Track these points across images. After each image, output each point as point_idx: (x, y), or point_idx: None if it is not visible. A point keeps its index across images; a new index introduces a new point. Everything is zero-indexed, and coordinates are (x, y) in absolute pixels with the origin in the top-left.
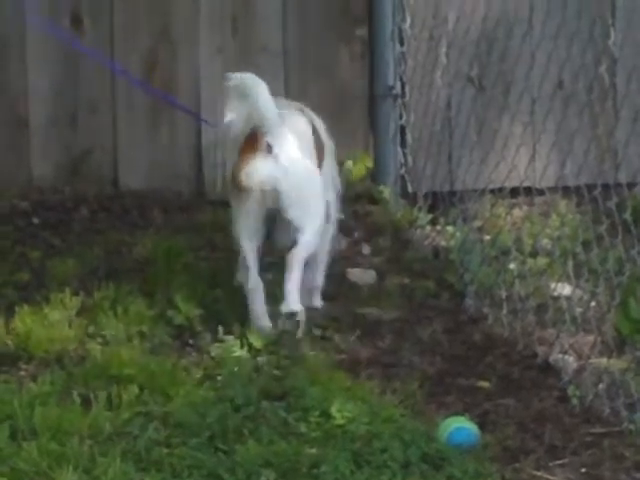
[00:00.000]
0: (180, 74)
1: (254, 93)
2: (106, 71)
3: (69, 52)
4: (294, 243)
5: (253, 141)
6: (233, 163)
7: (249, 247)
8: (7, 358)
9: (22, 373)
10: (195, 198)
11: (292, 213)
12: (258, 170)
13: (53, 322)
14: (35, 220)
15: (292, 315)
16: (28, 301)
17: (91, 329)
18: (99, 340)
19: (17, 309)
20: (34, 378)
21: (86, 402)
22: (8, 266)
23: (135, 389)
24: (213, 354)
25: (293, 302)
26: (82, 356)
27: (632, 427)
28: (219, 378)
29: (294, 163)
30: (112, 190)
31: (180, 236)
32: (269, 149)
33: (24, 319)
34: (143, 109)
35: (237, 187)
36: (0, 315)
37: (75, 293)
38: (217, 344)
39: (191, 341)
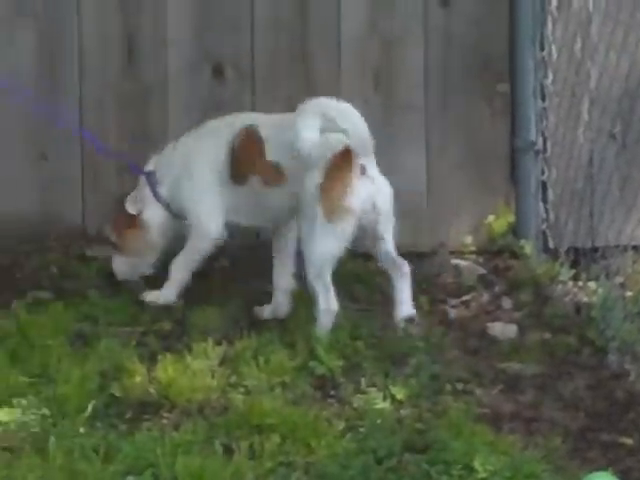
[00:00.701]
0: None
1: (353, 117)
2: None
3: (210, 100)
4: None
5: (341, 164)
6: (320, 188)
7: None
8: (150, 406)
9: (164, 422)
10: None
11: (382, 227)
12: (361, 192)
13: (195, 371)
14: (222, 263)
15: (411, 320)
16: (170, 350)
17: (233, 379)
18: (241, 390)
19: (159, 358)
20: (176, 427)
21: (228, 451)
22: (150, 315)
23: (277, 439)
24: (355, 405)
25: (410, 308)
26: (224, 406)
27: None
28: (361, 430)
29: (382, 181)
30: (253, 240)
31: None
32: (363, 170)
33: (166, 368)
34: None
35: (336, 211)
36: (143, 363)
37: (217, 343)
38: (359, 395)
39: (333, 392)
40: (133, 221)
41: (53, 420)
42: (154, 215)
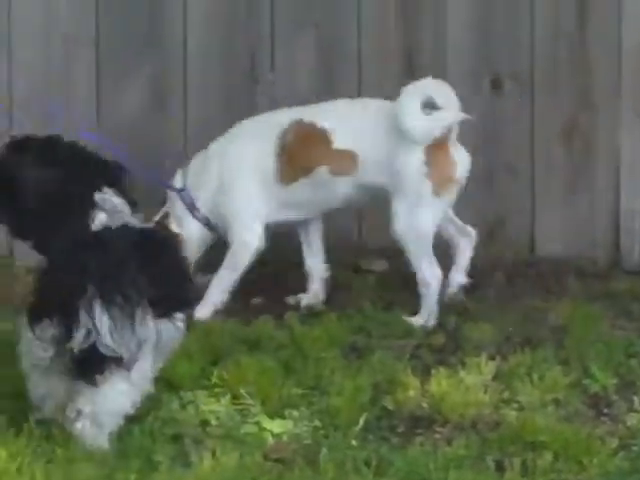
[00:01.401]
0: (600, 140)
1: (448, 92)
2: (525, 133)
3: (488, 114)
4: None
5: (442, 140)
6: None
7: None
8: (423, 420)
9: (437, 436)
10: (611, 266)
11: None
12: (465, 164)
13: (469, 386)
14: None
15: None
16: (444, 364)
17: (506, 394)
18: (514, 406)
19: (433, 372)
20: (449, 441)
21: (500, 468)
22: (424, 329)
23: (549, 456)
24: (628, 424)
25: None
26: (497, 421)
27: None
28: (634, 448)
29: (464, 151)
30: (528, 255)
31: (596, 304)
32: (455, 143)
33: (440, 382)
34: (561, 173)
35: (445, 184)
36: (416, 377)
37: (491, 358)
38: (632, 414)
39: (606, 410)
40: None
41: (325, 432)
42: (192, 232)
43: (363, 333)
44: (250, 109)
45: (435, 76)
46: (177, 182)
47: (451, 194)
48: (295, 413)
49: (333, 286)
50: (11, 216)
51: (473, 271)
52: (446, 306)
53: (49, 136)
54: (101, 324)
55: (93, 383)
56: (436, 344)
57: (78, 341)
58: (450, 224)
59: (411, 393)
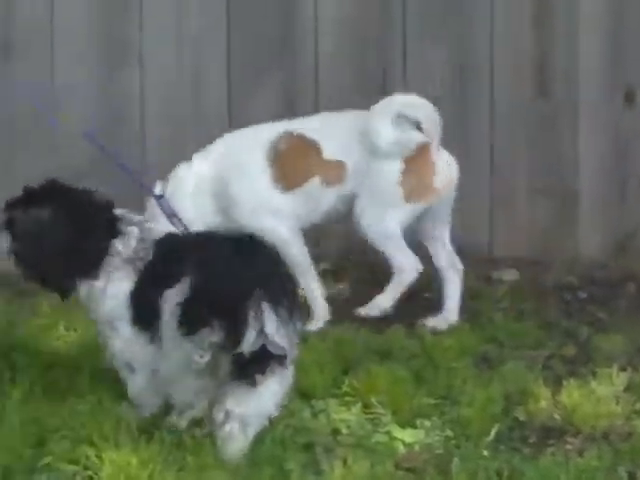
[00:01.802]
0: None
1: (423, 105)
2: None
3: (620, 126)
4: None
5: (422, 150)
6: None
7: None
8: (554, 431)
9: (569, 447)
10: None
11: (449, 209)
12: (448, 171)
13: (600, 397)
14: (581, 294)
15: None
16: (575, 375)
17: (638, 406)
18: None
19: (564, 383)
20: (580, 452)
21: (633, 478)
22: (556, 339)
23: None
24: None
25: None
26: (629, 432)
27: None
28: None
29: (451, 159)
30: None
31: None
32: (437, 149)
33: (571, 393)
34: None
35: (428, 192)
36: (547, 387)
37: (622, 369)
38: None
39: None
40: None
41: (456, 442)
42: None
43: (494, 343)
44: None
45: (567, 88)
46: (156, 191)
47: (426, 201)
48: (426, 423)
49: (466, 297)
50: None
51: (604, 282)
52: (577, 317)
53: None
54: (271, 325)
55: (253, 383)
56: (567, 355)
57: (249, 343)
58: (442, 251)
59: (543, 404)
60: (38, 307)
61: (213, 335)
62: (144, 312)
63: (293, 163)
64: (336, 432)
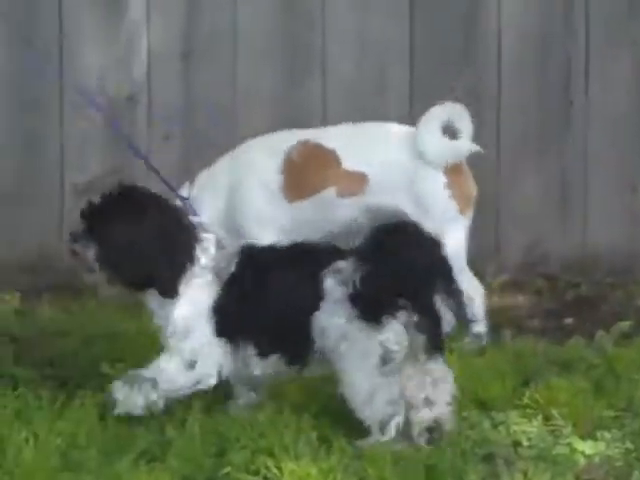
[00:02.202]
0: None
1: (465, 115)
2: None
3: None
4: None
5: (461, 164)
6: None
7: None
8: None
9: None
10: None
11: None
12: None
13: None
14: None
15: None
16: None
17: None
18: None
19: None
20: None
21: None
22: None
23: None
24: None
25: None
26: None
27: None
28: None
29: None
30: None
31: None
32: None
33: None
34: None
35: (469, 203)
36: None
37: None
38: None
39: None
40: None
41: (637, 455)
42: None
43: None
44: (564, 128)
45: None
46: (183, 193)
47: (471, 211)
48: (607, 435)
49: None
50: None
51: None
52: None
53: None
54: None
55: (446, 364)
56: None
57: (447, 325)
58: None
59: None
60: None
61: (410, 318)
62: (235, 322)
63: (307, 172)
64: (517, 444)
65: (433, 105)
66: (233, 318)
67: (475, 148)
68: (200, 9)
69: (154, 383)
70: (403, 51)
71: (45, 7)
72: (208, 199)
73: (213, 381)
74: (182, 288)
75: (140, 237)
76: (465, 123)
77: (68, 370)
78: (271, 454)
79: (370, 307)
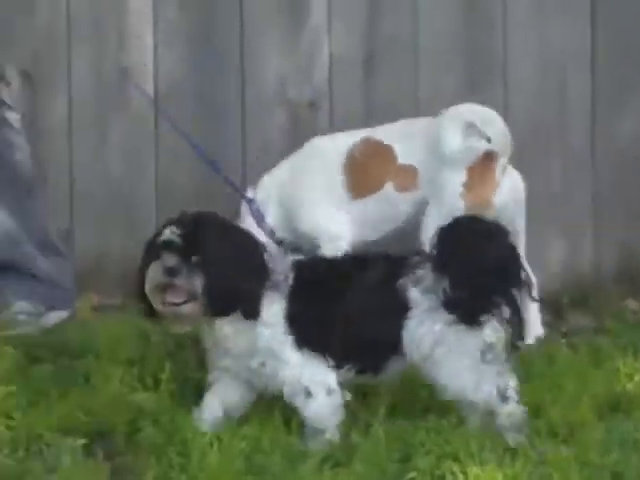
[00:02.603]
0: None
1: (495, 122)
2: None
3: None
4: None
5: (484, 164)
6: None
7: None
8: None
9: None
10: None
11: (520, 222)
12: (502, 188)
13: None
14: None
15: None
16: None
17: None
18: None
19: None
20: None
21: None
22: None
23: None
24: None
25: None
26: None
27: None
28: None
29: (518, 177)
30: None
31: None
32: (504, 169)
33: None
34: None
35: (481, 206)
36: None
37: None
38: None
39: None
40: None
41: None
42: None
43: None
44: None
45: None
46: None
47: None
48: None
49: None
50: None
51: None
52: None
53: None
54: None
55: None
56: None
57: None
58: None
59: None
60: None
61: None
62: (316, 333)
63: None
64: None
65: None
66: (310, 330)
67: (489, 148)
68: (380, 13)
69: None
70: (584, 55)
71: (226, 13)
72: (270, 203)
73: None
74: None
75: (234, 263)
76: (493, 128)
77: None
78: (456, 459)
79: (468, 311)
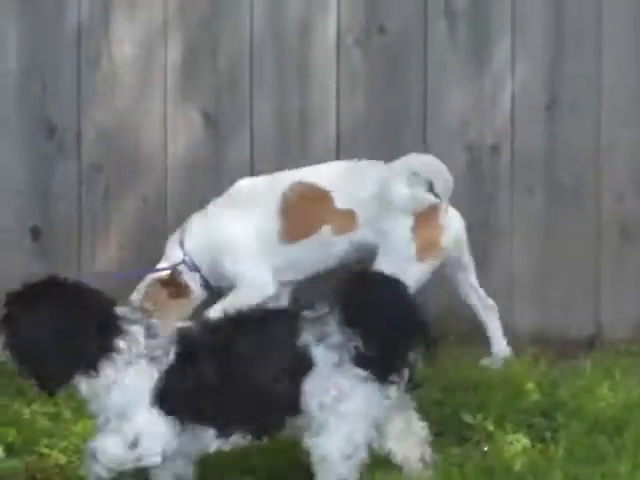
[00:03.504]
0: None
1: (437, 166)
2: None
3: None
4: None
5: (433, 209)
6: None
7: None
8: None
9: None
10: None
11: (466, 259)
12: (450, 230)
13: None
14: None
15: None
16: None
17: None
18: None
19: None
20: None
21: None
22: None
23: None
24: None
25: (505, 346)
26: None
27: None
28: None
29: (457, 215)
30: None
31: None
32: (446, 209)
33: None
34: None
35: (430, 250)
36: None
37: None
38: None
39: None
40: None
41: None
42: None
43: None
44: None
45: None
46: (174, 244)
47: (435, 259)
48: None
49: None
50: None
51: None
52: None
53: None
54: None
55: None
56: None
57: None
58: (474, 294)
59: None
60: (580, 368)
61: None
62: (186, 401)
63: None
64: None
65: None
66: (183, 398)
67: (434, 201)
68: (564, 55)
69: (94, 457)
70: None
71: (406, 55)
72: (201, 252)
73: (158, 460)
74: (112, 377)
75: (36, 330)
76: (437, 174)
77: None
78: None
79: (382, 367)
